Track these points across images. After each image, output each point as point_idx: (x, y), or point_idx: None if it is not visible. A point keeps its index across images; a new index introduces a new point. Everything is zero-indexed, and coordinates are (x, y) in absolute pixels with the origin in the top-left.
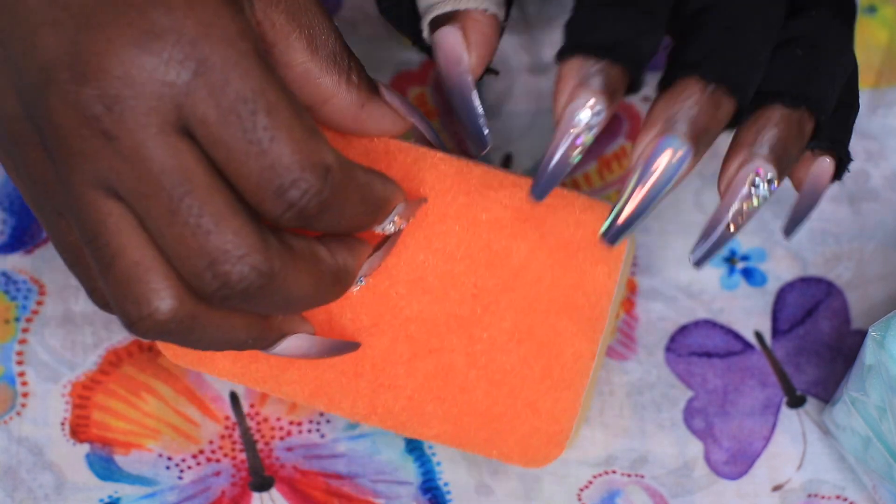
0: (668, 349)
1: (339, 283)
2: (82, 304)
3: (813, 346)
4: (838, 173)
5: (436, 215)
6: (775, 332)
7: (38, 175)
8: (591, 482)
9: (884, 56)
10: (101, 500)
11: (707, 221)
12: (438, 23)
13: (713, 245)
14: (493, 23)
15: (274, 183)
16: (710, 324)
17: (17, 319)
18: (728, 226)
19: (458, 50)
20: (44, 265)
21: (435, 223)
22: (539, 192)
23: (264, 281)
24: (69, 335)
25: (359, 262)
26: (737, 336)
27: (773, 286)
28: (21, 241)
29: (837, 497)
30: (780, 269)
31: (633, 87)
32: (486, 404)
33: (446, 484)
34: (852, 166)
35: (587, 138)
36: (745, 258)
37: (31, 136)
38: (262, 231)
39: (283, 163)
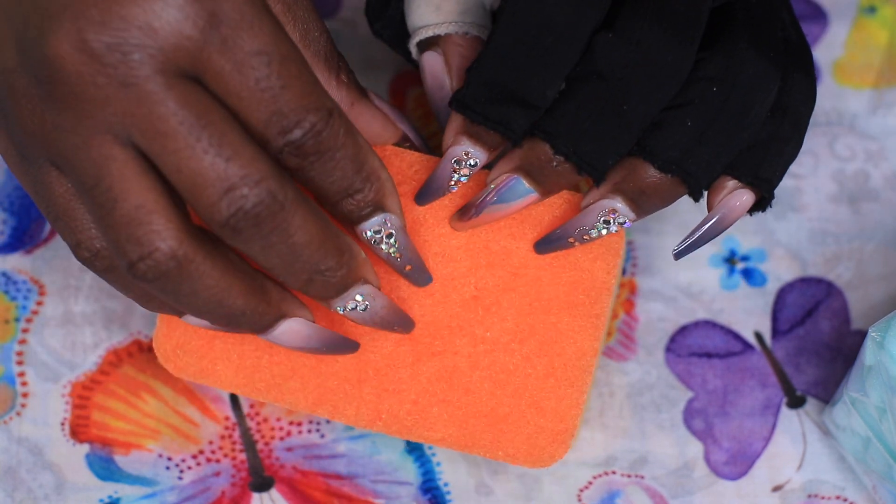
0: (668, 350)
1: (344, 253)
2: (82, 304)
3: (813, 346)
4: (761, 206)
5: (434, 219)
6: (775, 332)
7: (32, 126)
8: (591, 483)
9: (884, 56)
10: (101, 501)
11: (558, 227)
12: (423, 46)
13: (551, 246)
14: (474, 45)
15: (281, 123)
16: (710, 324)
17: (17, 319)
18: (571, 239)
19: (440, 75)
20: (44, 265)
21: (434, 227)
22: (421, 203)
23: (277, 208)
24: (69, 335)
25: (363, 266)
26: (737, 336)
27: (772, 286)
28: (21, 241)
29: (837, 497)
30: (780, 270)
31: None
32: (490, 405)
33: (446, 484)
34: (852, 167)
35: (462, 176)
36: (745, 258)
37: (27, 89)
38: (277, 163)
39: (291, 106)
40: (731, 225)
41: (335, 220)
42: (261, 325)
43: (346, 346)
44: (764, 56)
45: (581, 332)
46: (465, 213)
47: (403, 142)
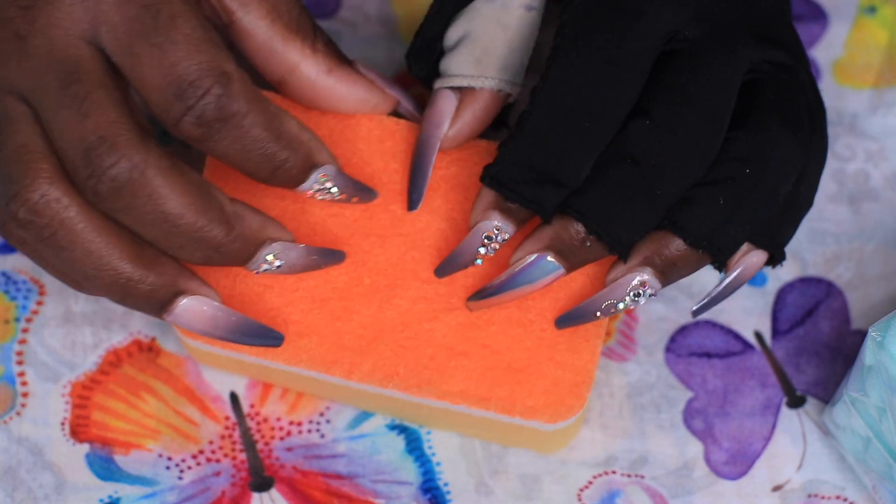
0: (668, 350)
1: (223, 224)
2: (82, 304)
3: (813, 346)
4: (771, 262)
5: (448, 185)
6: (775, 332)
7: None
8: (590, 482)
9: (884, 56)
10: (101, 500)
11: (584, 303)
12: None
13: (576, 321)
14: (496, 101)
15: (174, 85)
16: (710, 324)
17: (17, 319)
18: (596, 312)
19: (443, 115)
20: None
21: (448, 192)
22: (441, 275)
23: (136, 176)
24: (69, 335)
25: (264, 230)
26: (737, 336)
27: (772, 286)
28: None
29: (837, 497)
30: (780, 270)
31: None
32: (507, 359)
33: (446, 484)
34: (852, 167)
35: (489, 250)
36: None
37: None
38: (146, 134)
39: (182, 65)
40: (745, 282)
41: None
42: (156, 298)
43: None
44: (792, 136)
45: (590, 287)
46: (485, 293)
47: (398, 109)
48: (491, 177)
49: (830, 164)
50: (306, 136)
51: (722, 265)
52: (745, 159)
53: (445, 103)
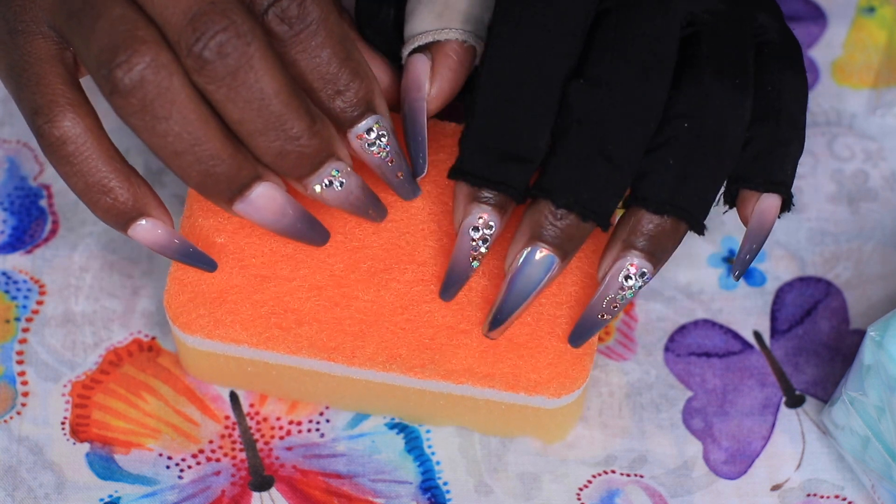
0: (667, 349)
1: (315, 120)
2: (82, 303)
3: (812, 345)
4: (786, 207)
5: (436, 169)
6: (774, 331)
7: None
8: (590, 482)
9: (882, 56)
10: (102, 500)
11: (585, 310)
12: (416, 51)
13: (587, 332)
14: (467, 55)
15: None
16: (709, 324)
17: (18, 319)
18: (601, 314)
19: (420, 77)
20: (44, 265)
21: (436, 176)
22: (448, 297)
23: (242, 43)
24: (69, 335)
25: (340, 143)
26: (736, 336)
27: (771, 286)
28: (21, 241)
29: (836, 497)
30: (779, 269)
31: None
32: (508, 335)
33: (446, 483)
34: (851, 167)
35: (484, 249)
36: None
37: None
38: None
39: None
40: (770, 230)
41: None
42: (237, 180)
43: (318, 230)
44: (728, 83)
45: (587, 261)
46: (497, 315)
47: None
48: (456, 170)
49: (829, 164)
50: (371, 73)
51: (698, 227)
52: (683, 115)
53: (420, 66)
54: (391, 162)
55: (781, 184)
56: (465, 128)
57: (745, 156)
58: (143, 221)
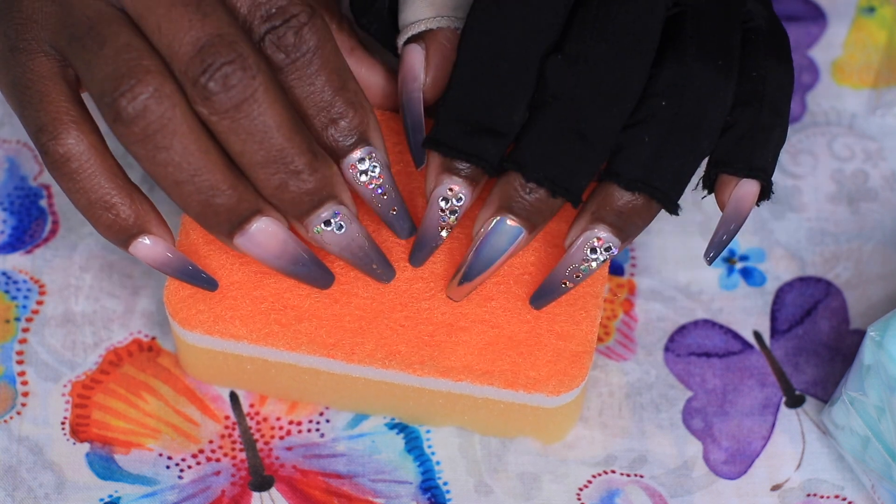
0: (667, 349)
1: (317, 157)
2: (82, 303)
3: (812, 345)
4: (765, 195)
5: None
6: (774, 331)
7: (33, 13)
8: (590, 482)
9: (882, 56)
10: (102, 500)
11: (548, 275)
12: (411, 40)
13: (547, 296)
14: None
15: (264, 7)
16: (709, 324)
17: (18, 319)
18: (564, 281)
19: (416, 67)
20: (44, 265)
21: None
22: (417, 262)
23: (248, 75)
24: (69, 335)
25: (341, 185)
26: (736, 336)
27: (771, 286)
28: (21, 241)
29: (836, 497)
30: (779, 269)
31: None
32: (507, 332)
33: (446, 483)
34: (851, 167)
35: (453, 220)
36: (743, 258)
37: None
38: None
39: None
40: (746, 216)
41: None
42: (237, 213)
43: (322, 271)
44: (711, 65)
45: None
46: (459, 277)
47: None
48: (430, 140)
49: (829, 164)
50: (368, 105)
51: (670, 206)
52: (662, 94)
53: (414, 56)
54: (385, 196)
55: (761, 169)
56: (441, 99)
57: (726, 140)
58: (145, 239)
